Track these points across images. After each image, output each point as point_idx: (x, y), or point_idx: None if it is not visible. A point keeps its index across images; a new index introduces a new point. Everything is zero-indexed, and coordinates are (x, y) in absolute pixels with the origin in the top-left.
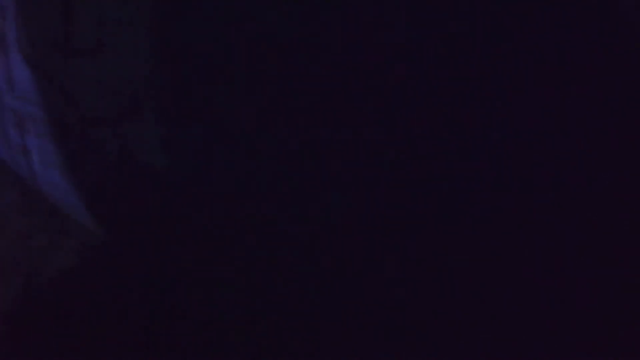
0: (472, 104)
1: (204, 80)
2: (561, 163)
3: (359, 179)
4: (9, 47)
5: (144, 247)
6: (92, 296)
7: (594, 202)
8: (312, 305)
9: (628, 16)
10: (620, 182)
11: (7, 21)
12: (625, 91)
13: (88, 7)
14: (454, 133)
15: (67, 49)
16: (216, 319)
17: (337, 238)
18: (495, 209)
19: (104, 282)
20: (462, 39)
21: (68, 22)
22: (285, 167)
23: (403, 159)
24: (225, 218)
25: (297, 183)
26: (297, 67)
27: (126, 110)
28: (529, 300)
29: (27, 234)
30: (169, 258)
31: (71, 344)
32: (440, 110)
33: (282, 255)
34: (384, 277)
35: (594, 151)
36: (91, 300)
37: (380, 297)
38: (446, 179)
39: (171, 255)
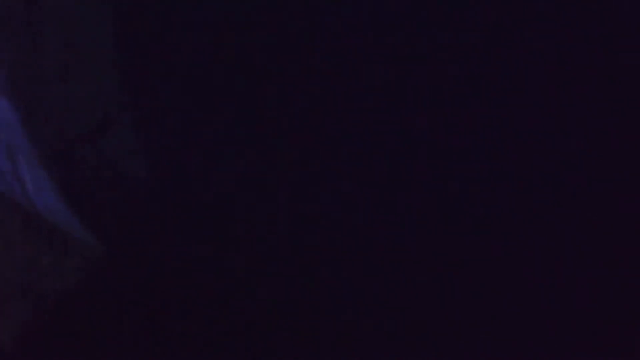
0: (471, 104)
1: (175, 91)
2: (561, 163)
3: (355, 179)
4: None
5: (139, 255)
6: (98, 310)
7: (594, 202)
8: (311, 305)
9: (628, 16)
10: (620, 182)
11: None
12: (625, 91)
13: (55, 34)
14: (454, 133)
15: (38, 77)
16: (216, 323)
17: (334, 238)
18: (495, 209)
19: (107, 294)
20: (462, 39)
21: (37, 51)
22: (270, 168)
23: (402, 159)
24: (213, 220)
25: (281, 183)
26: (270, 70)
27: (101, 126)
28: (528, 300)
29: (33, 257)
30: (164, 263)
31: None
32: (440, 110)
33: (277, 256)
34: (383, 277)
35: (594, 151)
36: (97, 314)
37: (379, 297)
38: (446, 178)
39: (167, 260)
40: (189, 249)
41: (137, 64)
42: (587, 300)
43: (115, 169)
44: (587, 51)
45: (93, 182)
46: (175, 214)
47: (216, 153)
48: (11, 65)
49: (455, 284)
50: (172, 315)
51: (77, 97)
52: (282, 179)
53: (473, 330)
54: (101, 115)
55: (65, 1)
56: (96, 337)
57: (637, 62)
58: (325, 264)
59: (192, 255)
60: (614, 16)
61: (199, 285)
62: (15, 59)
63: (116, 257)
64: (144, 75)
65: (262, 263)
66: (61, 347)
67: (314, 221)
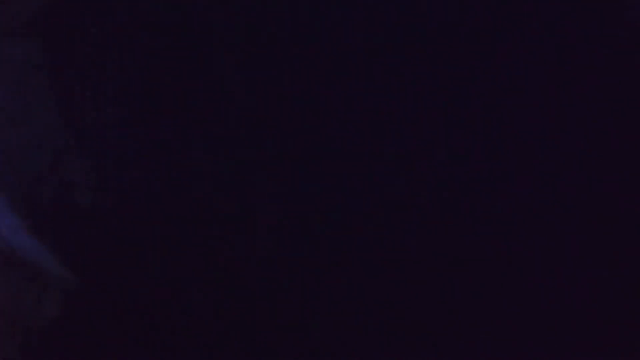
0: (471, 104)
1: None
2: (561, 163)
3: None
4: None
5: (117, 283)
6: (82, 339)
7: (593, 202)
8: (310, 305)
9: (628, 16)
10: (620, 182)
11: None
12: (625, 91)
13: (3, 84)
14: (454, 132)
15: None
16: (201, 347)
17: (331, 240)
18: (495, 209)
19: (88, 323)
20: (462, 39)
21: None
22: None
23: (400, 160)
24: (183, 241)
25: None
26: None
27: (53, 164)
28: (528, 300)
29: (17, 296)
30: (142, 288)
31: None
32: (439, 110)
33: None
34: (383, 277)
35: (594, 151)
36: (82, 343)
37: (379, 297)
38: (446, 178)
39: (144, 284)
40: (164, 273)
41: (80, 104)
42: (587, 300)
43: (77, 203)
44: (587, 51)
45: (58, 218)
46: (143, 239)
47: (177, 172)
48: None
49: (455, 284)
50: (156, 337)
51: (29, 139)
52: (259, 183)
53: (473, 330)
54: (52, 154)
55: (12, 55)
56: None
57: (637, 62)
58: (323, 264)
59: (169, 277)
60: (614, 16)
61: (181, 305)
62: None
63: (94, 287)
64: (87, 113)
65: (247, 280)
66: None
67: (309, 222)
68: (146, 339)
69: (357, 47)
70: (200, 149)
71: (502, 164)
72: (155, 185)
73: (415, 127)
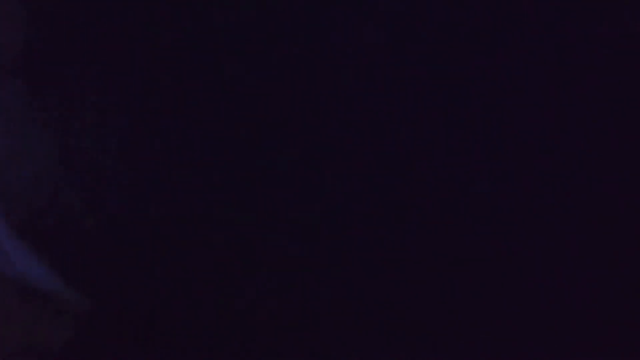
0: (471, 104)
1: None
2: (561, 163)
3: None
4: None
5: (126, 302)
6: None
7: (593, 202)
8: (310, 306)
9: (628, 17)
10: (621, 182)
11: None
12: (625, 91)
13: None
14: (454, 132)
15: None
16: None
17: (328, 239)
18: (495, 209)
19: (101, 343)
20: (462, 39)
21: None
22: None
23: (400, 160)
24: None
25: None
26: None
27: (52, 191)
28: (528, 300)
29: (30, 322)
30: (151, 304)
31: None
32: (439, 110)
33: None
34: (382, 276)
35: (594, 151)
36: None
37: (378, 297)
38: (446, 178)
39: (151, 300)
40: (170, 286)
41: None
42: (587, 300)
43: (79, 226)
44: (587, 51)
45: (61, 242)
46: (146, 255)
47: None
48: None
49: (455, 284)
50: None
51: (25, 176)
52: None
53: (473, 330)
54: (47, 189)
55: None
56: None
57: (637, 61)
58: (323, 264)
59: (176, 291)
60: (614, 16)
61: (186, 312)
62: None
63: (104, 307)
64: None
65: (247, 282)
66: None
67: (309, 222)
68: (156, 353)
69: (357, 47)
70: (200, 152)
71: (502, 163)
72: (155, 199)
73: (415, 127)
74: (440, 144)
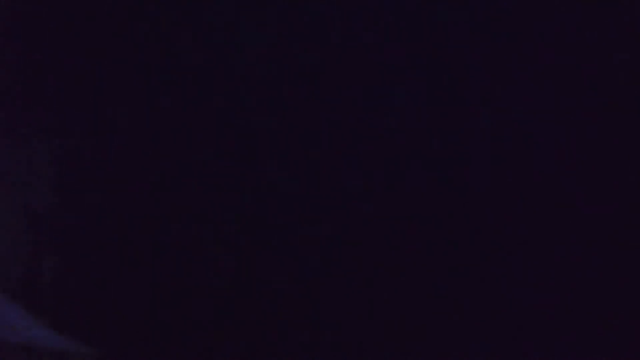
0: (472, 104)
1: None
2: (560, 163)
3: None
4: None
5: (133, 345)
6: None
7: (594, 201)
8: (311, 305)
9: (628, 16)
10: (621, 182)
11: None
12: (625, 91)
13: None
14: (454, 132)
15: None
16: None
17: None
18: (495, 209)
19: None
20: (462, 38)
21: None
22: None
23: (400, 159)
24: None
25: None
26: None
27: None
28: (528, 300)
29: None
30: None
31: None
32: (440, 110)
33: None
34: (383, 276)
35: (594, 151)
36: None
37: (379, 297)
38: (445, 178)
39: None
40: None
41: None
42: (587, 300)
43: (68, 285)
44: (588, 51)
45: (55, 302)
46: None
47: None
48: None
49: (455, 284)
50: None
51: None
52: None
53: (473, 330)
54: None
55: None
56: None
57: (637, 61)
58: (324, 264)
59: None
60: (614, 16)
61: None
62: None
63: (114, 353)
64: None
65: (247, 284)
66: None
67: (309, 221)
68: None
69: (357, 46)
70: (199, 153)
71: (502, 163)
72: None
73: (416, 126)
74: (440, 144)
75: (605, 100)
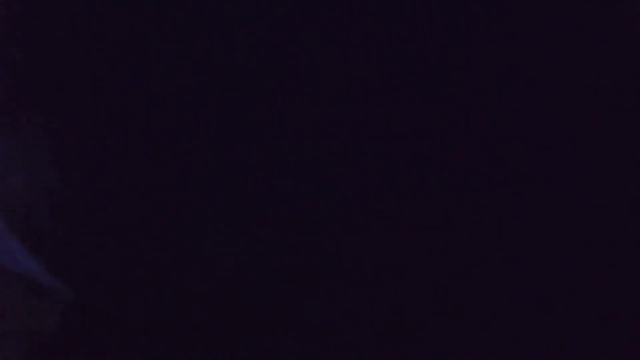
0: (471, 104)
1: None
2: (560, 162)
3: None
4: None
5: (111, 292)
6: (85, 346)
7: (593, 201)
8: (310, 305)
9: (628, 16)
10: (620, 182)
11: None
12: (625, 91)
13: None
14: (454, 132)
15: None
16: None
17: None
18: (495, 209)
19: (87, 332)
20: (462, 38)
21: None
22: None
23: (400, 159)
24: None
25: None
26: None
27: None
28: (528, 300)
29: (24, 310)
30: (143, 295)
31: None
32: (439, 110)
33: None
34: (383, 276)
35: (594, 151)
36: (85, 349)
37: (378, 297)
38: (445, 178)
39: (145, 292)
40: (163, 280)
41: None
42: (586, 300)
43: (70, 230)
44: (587, 51)
45: (54, 244)
46: (140, 247)
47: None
48: None
49: (455, 284)
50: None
51: (23, 179)
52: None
53: (473, 330)
54: (43, 191)
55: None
56: None
57: (637, 61)
58: (323, 264)
59: (168, 285)
60: (614, 16)
61: (181, 310)
62: None
63: (93, 300)
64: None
65: (247, 284)
66: None
67: (309, 222)
68: (147, 345)
69: (357, 46)
70: (199, 154)
71: (501, 163)
72: (152, 190)
73: (415, 126)
74: (440, 144)
75: (605, 100)
